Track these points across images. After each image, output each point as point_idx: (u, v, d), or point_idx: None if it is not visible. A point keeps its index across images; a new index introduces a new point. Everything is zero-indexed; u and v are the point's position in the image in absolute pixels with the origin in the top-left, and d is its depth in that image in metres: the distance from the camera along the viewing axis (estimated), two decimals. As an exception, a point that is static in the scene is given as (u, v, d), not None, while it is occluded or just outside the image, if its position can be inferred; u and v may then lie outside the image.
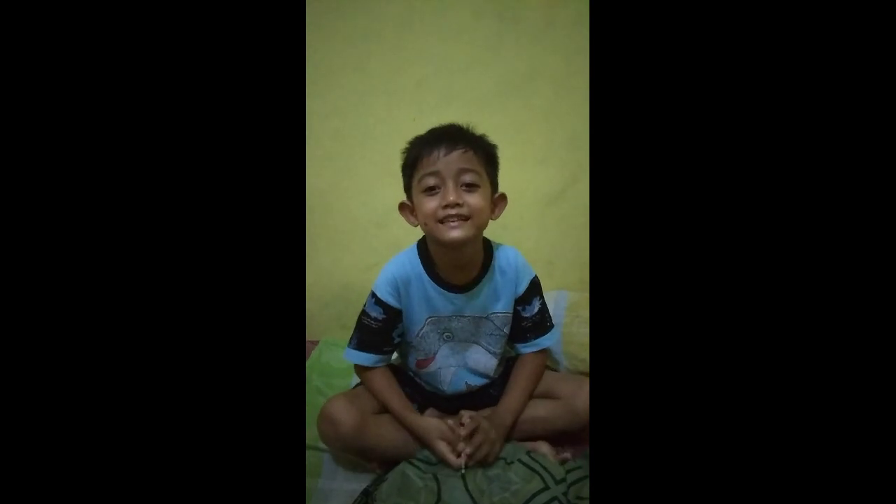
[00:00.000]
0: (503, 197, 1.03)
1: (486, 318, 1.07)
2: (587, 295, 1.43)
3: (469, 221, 0.94)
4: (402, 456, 1.01)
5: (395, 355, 1.15)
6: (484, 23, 1.42)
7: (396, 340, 1.09)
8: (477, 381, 1.12)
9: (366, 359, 1.06)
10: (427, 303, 1.05)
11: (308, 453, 1.07)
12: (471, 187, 0.94)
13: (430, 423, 1.01)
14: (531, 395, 1.08)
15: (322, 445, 1.08)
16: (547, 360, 1.17)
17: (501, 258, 1.07)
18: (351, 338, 1.08)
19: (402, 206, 1.03)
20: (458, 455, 0.95)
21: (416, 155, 0.97)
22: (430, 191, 0.95)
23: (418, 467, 0.97)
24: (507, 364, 1.15)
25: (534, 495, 0.90)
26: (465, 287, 1.04)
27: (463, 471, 0.94)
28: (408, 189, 1.02)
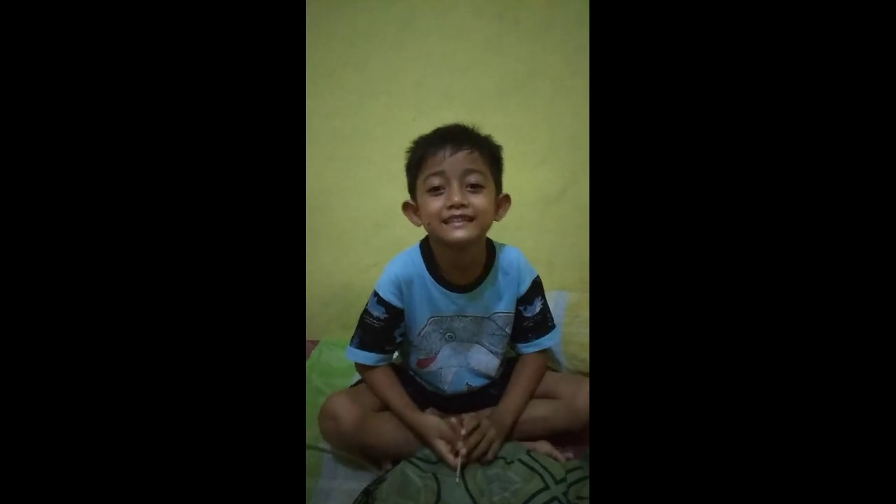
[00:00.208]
0: (507, 198, 1.03)
1: (489, 317, 1.07)
2: (587, 295, 1.43)
3: (473, 222, 0.94)
4: (402, 453, 1.01)
5: (396, 354, 1.15)
6: (484, 23, 1.42)
7: (398, 340, 1.09)
8: (478, 382, 1.12)
9: (368, 358, 1.06)
10: (429, 302, 1.04)
11: (308, 453, 1.07)
12: (476, 188, 0.94)
13: (430, 421, 1.01)
14: (532, 395, 1.08)
15: (322, 445, 1.08)
16: (548, 360, 1.17)
17: (504, 258, 1.07)
18: (353, 336, 1.08)
19: (405, 206, 1.03)
20: (457, 455, 0.95)
21: (421, 155, 0.96)
22: (435, 191, 0.94)
23: (418, 466, 0.97)
24: (508, 364, 1.15)
25: (534, 495, 0.90)
26: (467, 287, 1.04)
27: (458, 472, 0.93)
28: (412, 189, 1.01)
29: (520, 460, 0.97)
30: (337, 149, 1.51)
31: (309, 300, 1.51)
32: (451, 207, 0.92)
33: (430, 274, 1.03)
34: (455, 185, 0.93)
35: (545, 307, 1.12)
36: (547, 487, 0.92)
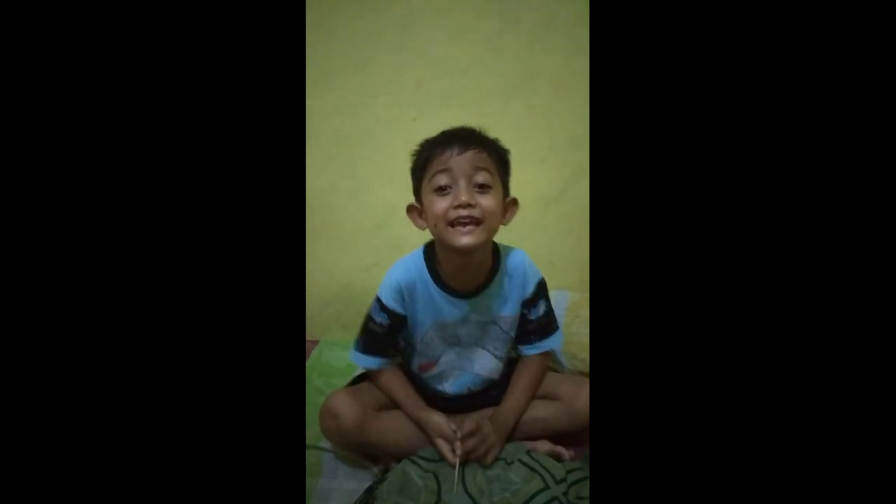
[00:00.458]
0: (514, 202, 1.01)
1: (493, 321, 1.06)
2: (587, 295, 1.43)
3: (481, 226, 0.91)
4: (403, 452, 1.01)
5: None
6: (484, 23, 1.42)
7: (401, 345, 1.08)
8: (480, 385, 1.11)
9: (371, 362, 1.06)
10: (433, 309, 1.03)
11: (308, 452, 1.07)
12: (483, 188, 0.92)
13: (434, 419, 1.00)
14: (533, 397, 1.08)
15: (323, 444, 1.08)
16: (550, 361, 1.17)
17: (510, 262, 1.05)
18: (356, 340, 1.07)
19: (410, 209, 1.01)
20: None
21: (427, 156, 0.95)
22: (441, 191, 0.92)
23: (419, 465, 0.97)
24: (509, 364, 1.14)
25: (534, 495, 0.90)
26: (471, 293, 1.02)
27: (456, 477, 0.93)
28: (417, 191, 0.99)
29: (520, 460, 0.97)
30: (337, 149, 1.51)
31: (309, 300, 1.51)
32: (457, 207, 0.90)
33: (434, 280, 1.01)
34: (462, 183, 0.91)
35: (549, 309, 1.10)
36: (547, 487, 0.91)
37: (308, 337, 1.51)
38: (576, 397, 1.04)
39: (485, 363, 1.09)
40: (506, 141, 1.02)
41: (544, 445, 1.04)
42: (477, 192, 0.92)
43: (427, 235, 1.01)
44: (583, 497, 0.91)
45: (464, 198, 0.89)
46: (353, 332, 1.57)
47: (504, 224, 0.99)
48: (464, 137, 0.94)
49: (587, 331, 1.30)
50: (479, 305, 1.04)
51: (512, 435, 1.04)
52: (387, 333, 1.04)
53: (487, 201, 0.92)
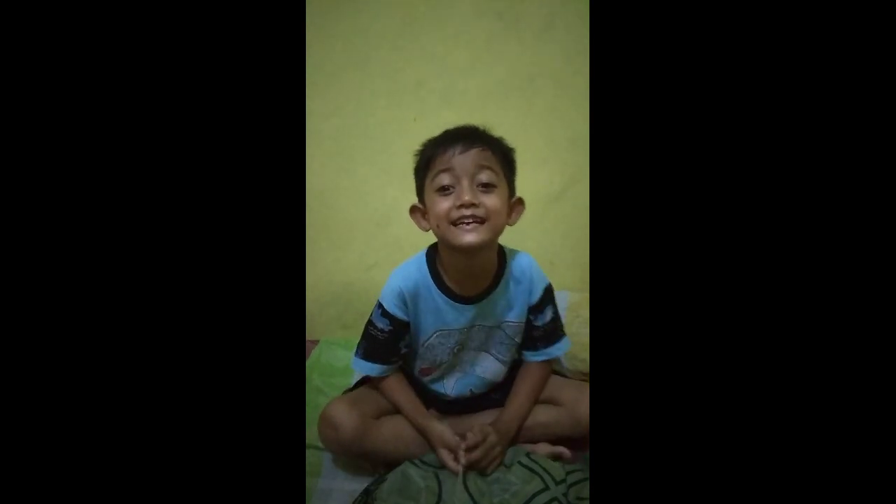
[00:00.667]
0: (520, 201, 0.98)
1: (498, 327, 1.04)
2: (587, 295, 1.43)
3: (485, 225, 0.89)
4: (404, 458, 1.00)
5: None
6: (484, 23, 1.42)
7: (404, 351, 1.06)
8: (482, 388, 1.10)
9: (373, 369, 1.04)
10: (436, 315, 1.01)
11: (308, 452, 1.06)
12: (487, 187, 0.90)
13: (437, 429, 0.99)
14: (536, 402, 1.06)
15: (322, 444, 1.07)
16: (554, 364, 1.16)
17: (516, 267, 1.02)
18: (357, 346, 1.05)
19: (413, 210, 0.99)
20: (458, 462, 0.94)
21: (430, 155, 0.93)
22: (444, 190, 0.90)
23: (419, 467, 0.97)
24: (512, 367, 1.12)
25: (533, 496, 0.90)
26: (476, 298, 1.00)
27: (459, 479, 0.92)
28: (420, 192, 0.98)
29: (519, 462, 0.97)
30: (337, 149, 1.51)
31: (309, 300, 1.51)
32: (460, 207, 0.88)
33: (437, 285, 0.99)
34: (465, 182, 0.89)
35: (556, 316, 1.07)
36: (547, 488, 0.91)
37: (308, 337, 1.51)
38: (578, 403, 1.02)
39: (488, 367, 1.08)
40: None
41: (544, 448, 1.03)
42: (480, 191, 0.89)
43: (429, 236, 1.00)
44: (582, 497, 0.91)
45: (466, 197, 0.88)
46: (354, 332, 1.56)
47: (510, 224, 0.97)
48: (467, 136, 0.92)
49: (587, 331, 1.30)
50: (484, 311, 1.01)
51: (514, 440, 1.03)
52: (388, 339, 1.01)
53: (491, 200, 0.89)
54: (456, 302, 1.00)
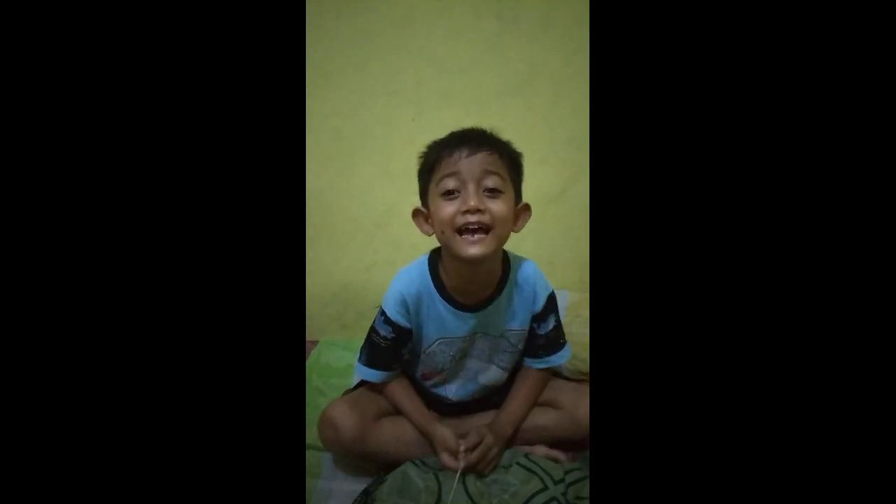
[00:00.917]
0: (527, 207, 0.96)
1: (501, 335, 1.03)
2: (587, 295, 1.43)
3: (490, 234, 0.86)
4: (404, 459, 1.00)
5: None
6: (484, 23, 1.42)
7: (406, 357, 1.06)
8: (483, 393, 1.10)
9: (376, 376, 1.03)
10: (438, 323, 0.99)
11: (308, 453, 1.07)
12: (494, 193, 0.87)
13: (439, 432, 0.98)
14: (534, 405, 1.06)
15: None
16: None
17: (520, 274, 1.01)
18: (360, 352, 1.05)
19: (415, 213, 0.96)
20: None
21: (435, 158, 0.90)
22: (449, 195, 0.87)
23: (420, 468, 0.97)
24: (513, 373, 1.11)
25: (533, 495, 0.90)
26: (479, 306, 0.98)
27: (455, 483, 0.92)
28: (423, 195, 0.95)
29: (518, 463, 0.97)
30: (336, 149, 1.51)
31: (308, 300, 1.51)
32: (465, 213, 0.85)
33: (440, 293, 0.97)
34: (471, 187, 0.85)
35: (559, 324, 1.06)
36: (546, 488, 0.92)
37: (307, 337, 1.51)
38: (577, 406, 1.02)
39: (489, 374, 1.07)
40: (505, 141, 1.01)
41: (541, 450, 1.03)
42: (487, 196, 0.86)
43: (430, 238, 0.99)
44: (581, 497, 0.91)
45: (472, 202, 0.84)
46: (353, 332, 1.57)
47: (515, 231, 0.94)
48: (474, 139, 0.89)
49: (587, 330, 1.30)
50: (487, 319, 1.00)
51: (511, 442, 1.03)
52: (391, 347, 1.00)
53: (498, 207, 0.87)
54: (458, 310, 0.98)
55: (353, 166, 1.52)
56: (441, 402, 1.11)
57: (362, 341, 1.06)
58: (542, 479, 0.93)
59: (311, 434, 1.05)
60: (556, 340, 1.06)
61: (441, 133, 0.95)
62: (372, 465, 1.04)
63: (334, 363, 1.45)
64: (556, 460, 1.01)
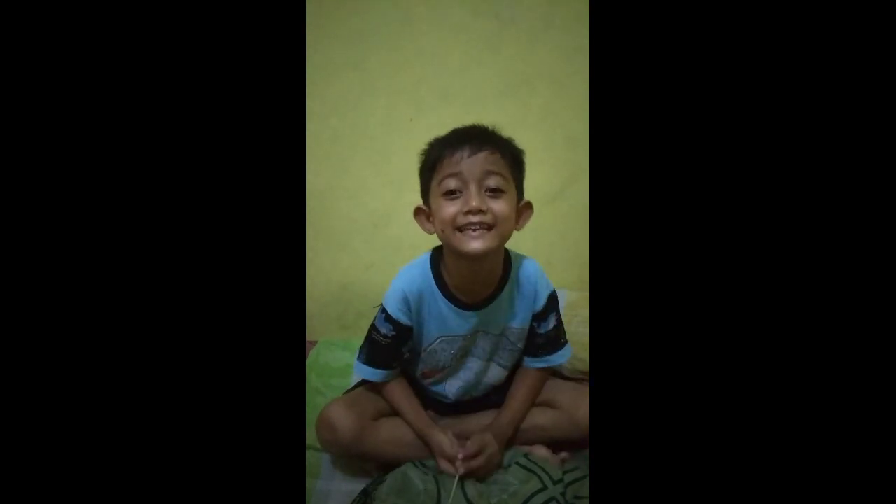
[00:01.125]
0: (529, 205, 0.96)
1: (502, 333, 1.03)
2: (586, 294, 1.43)
3: (492, 231, 0.86)
4: (401, 461, 0.99)
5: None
6: (482, 22, 1.42)
7: (406, 355, 1.05)
8: (482, 391, 1.10)
9: (376, 374, 1.02)
10: (439, 321, 0.99)
11: (307, 453, 1.07)
12: (496, 192, 0.87)
13: (437, 438, 0.98)
14: (532, 406, 1.05)
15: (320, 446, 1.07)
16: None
17: (521, 273, 1.01)
18: (360, 350, 1.04)
19: (417, 211, 0.96)
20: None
21: (437, 156, 0.89)
22: (451, 194, 0.87)
23: (420, 469, 0.97)
24: (513, 372, 1.11)
25: (532, 495, 0.90)
26: (480, 304, 0.98)
27: (455, 484, 0.92)
28: (425, 193, 0.95)
29: (517, 462, 0.97)
30: (335, 149, 1.51)
31: (307, 300, 1.51)
32: (467, 213, 0.85)
33: (441, 291, 0.97)
34: (473, 188, 0.86)
35: (559, 323, 1.06)
36: (545, 488, 0.92)
37: (306, 338, 1.50)
38: (576, 407, 1.01)
39: (491, 373, 1.07)
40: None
41: (539, 450, 1.03)
42: (489, 196, 0.87)
43: (429, 236, 0.99)
44: (580, 497, 0.92)
45: (474, 203, 0.85)
46: (352, 332, 1.57)
47: (517, 229, 0.94)
48: (475, 137, 0.89)
49: (585, 330, 1.30)
50: (488, 318, 1.00)
51: (510, 442, 1.02)
52: (392, 345, 1.00)
53: (500, 206, 0.87)
54: (460, 308, 0.98)
55: (351, 166, 1.53)
56: (440, 403, 1.11)
57: (361, 341, 1.06)
58: (540, 479, 0.93)
59: (310, 434, 1.05)
60: (557, 340, 1.06)
61: (440, 133, 0.95)
62: (370, 465, 1.04)
63: (333, 363, 1.45)
64: (562, 461, 1.01)
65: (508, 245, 1.05)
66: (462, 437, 0.98)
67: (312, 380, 1.36)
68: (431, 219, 0.93)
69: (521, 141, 1.00)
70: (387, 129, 1.48)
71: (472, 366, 1.06)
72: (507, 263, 1.00)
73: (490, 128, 0.92)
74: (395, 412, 1.05)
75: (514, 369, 1.11)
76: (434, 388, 1.10)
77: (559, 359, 1.07)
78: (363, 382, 1.11)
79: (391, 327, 0.99)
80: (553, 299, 1.05)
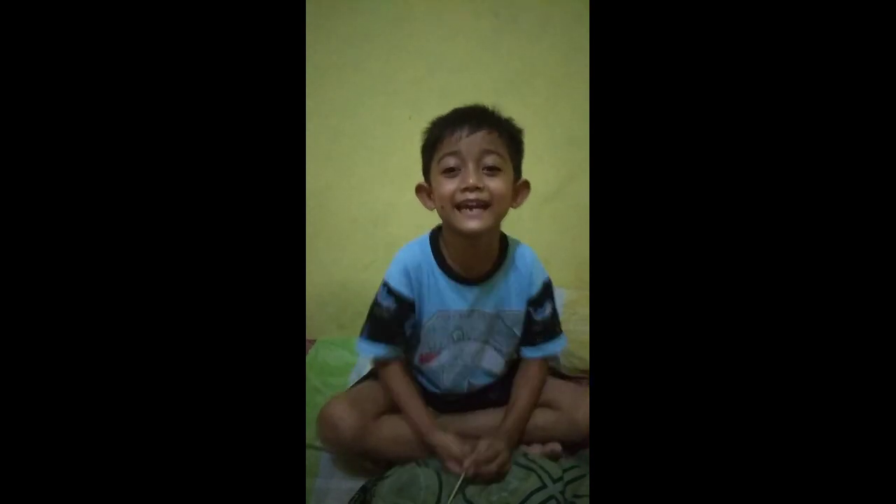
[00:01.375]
0: (526, 184, 0.99)
1: (497, 315, 1.05)
2: (585, 293, 1.43)
3: (488, 209, 0.90)
4: (403, 458, 0.99)
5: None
6: (482, 22, 1.43)
7: (408, 333, 1.05)
8: (480, 380, 1.10)
9: (378, 349, 1.02)
10: (438, 295, 1.02)
11: (306, 452, 1.07)
12: (493, 171, 0.91)
13: (443, 442, 0.97)
14: (536, 405, 1.06)
15: (320, 444, 1.07)
16: (552, 361, 1.15)
17: (517, 255, 1.04)
18: (362, 329, 1.05)
19: (419, 188, 1.00)
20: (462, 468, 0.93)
21: (438, 135, 0.94)
22: (450, 172, 0.91)
23: (422, 466, 0.97)
24: (511, 366, 1.11)
25: (531, 494, 0.90)
26: (477, 280, 1.01)
27: (458, 482, 0.91)
28: (426, 171, 0.98)
29: (516, 461, 0.97)
30: (335, 148, 1.51)
31: (306, 299, 1.51)
32: (465, 190, 0.89)
33: (440, 265, 1.00)
34: (471, 166, 0.90)
35: (555, 312, 1.08)
36: (544, 486, 0.92)
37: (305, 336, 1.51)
38: (576, 408, 1.02)
39: (487, 358, 1.08)
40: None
41: (537, 449, 1.03)
42: (486, 174, 0.91)
43: (425, 227, 1.00)
44: (580, 495, 0.92)
45: (471, 180, 0.89)
46: (350, 331, 1.56)
47: (514, 207, 0.97)
48: (475, 116, 0.93)
49: (584, 328, 1.30)
50: (484, 295, 1.02)
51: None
52: (393, 318, 1.01)
53: (496, 184, 0.91)
54: (457, 283, 1.01)
55: (351, 165, 1.53)
56: (437, 399, 1.11)
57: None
58: (540, 478, 0.93)
59: (309, 433, 1.05)
60: (553, 328, 1.08)
61: (439, 133, 0.95)
62: (368, 463, 1.04)
63: (332, 362, 1.45)
64: (555, 456, 1.01)
65: (510, 235, 1.06)
66: (462, 436, 0.98)
67: (311, 378, 1.36)
68: (432, 196, 0.97)
69: (520, 140, 1.01)
70: (386, 128, 1.48)
71: (469, 349, 1.07)
72: (503, 244, 1.04)
73: (490, 108, 0.96)
74: (396, 410, 1.05)
75: (511, 362, 1.11)
76: (431, 377, 1.10)
77: (556, 347, 1.09)
78: (364, 380, 1.11)
79: (392, 300, 1.00)
80: (548, 287, 1.07)
